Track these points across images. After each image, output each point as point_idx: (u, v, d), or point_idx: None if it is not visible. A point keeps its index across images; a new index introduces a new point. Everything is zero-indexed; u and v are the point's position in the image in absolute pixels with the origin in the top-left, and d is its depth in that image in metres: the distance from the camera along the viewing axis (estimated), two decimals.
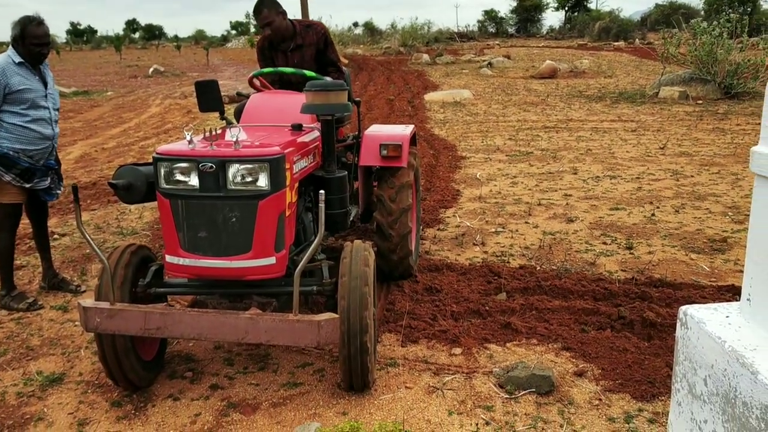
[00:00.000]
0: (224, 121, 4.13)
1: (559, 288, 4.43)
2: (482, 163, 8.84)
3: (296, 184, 3.34)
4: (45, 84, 4.36)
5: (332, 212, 3.77)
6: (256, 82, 4.50)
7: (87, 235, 3.04)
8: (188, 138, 3.08)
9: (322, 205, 2.87)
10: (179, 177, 3.00)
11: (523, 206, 6.65)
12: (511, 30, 59.05)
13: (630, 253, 5.25)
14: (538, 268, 4.92)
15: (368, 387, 3.27)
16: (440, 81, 20.85)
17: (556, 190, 7.28)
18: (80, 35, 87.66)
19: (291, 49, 4.62)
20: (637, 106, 14.31)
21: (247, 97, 4.28)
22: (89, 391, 3.41)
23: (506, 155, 9.31)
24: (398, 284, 4.62)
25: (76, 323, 4.20)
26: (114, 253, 3.27)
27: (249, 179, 2.97)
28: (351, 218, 4.25)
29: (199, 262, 3.04)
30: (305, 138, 3.63)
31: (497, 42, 46.08)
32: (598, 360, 3.52)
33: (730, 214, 6.22)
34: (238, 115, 4.40)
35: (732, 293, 4.28)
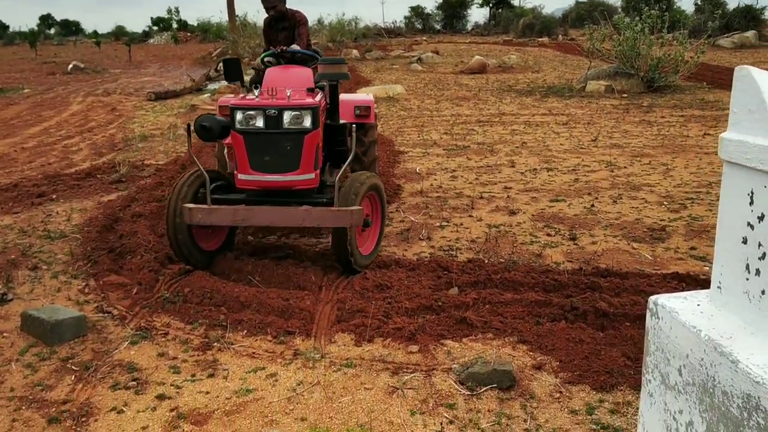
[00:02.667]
0: (244, 88, 5.31)
1: (510, 281, 4.41)
2: (420, 157, 8.81)
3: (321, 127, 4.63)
4: None
5: (338, 149, 5.19)
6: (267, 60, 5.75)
7: (194, 158, 4.66)
8: (256, 94, 4.53)
9: (354, 135, 4.55)
10: (251, 120, 4.36)
11: (465, 200, 6.64)
12: (438, 26, 59.47)
13: (574, 244, 5.30)
14: (486, 261, 4.89)
15: (351, 269, 4.56)
16: (371, 77, 20.79)
17: (495, 183, 7.31)
18: None
19: (281, 28, 6.02)
20: (566, 99, 14.62)
21: (258, 70, 5.83)
22: (23, 407, 3.16)
23: (444, 149, 9.31)
24: (349, 280, 4.52)
25: (5, 335, 3.90)
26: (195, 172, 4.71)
27: (298, 121, 4.36)
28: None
29: (263, 177, 4.46)
30: (318, 97, 4.79)
31: (425, 38, 46.38)
32: (555, 352, 3.51)
33: (665, 203, 6.38)
34: (253, 84, 5.57)
35: (677, 280, 4.36)
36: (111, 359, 3.60)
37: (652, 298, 2.26)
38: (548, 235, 5.55)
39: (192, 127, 4.62)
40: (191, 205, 4.41)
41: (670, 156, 8.58)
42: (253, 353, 3.61)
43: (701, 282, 4.35)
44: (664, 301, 2.21)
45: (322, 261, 4.93)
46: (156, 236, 5.51)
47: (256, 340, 3.76)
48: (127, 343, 3.76)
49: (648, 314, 2.27)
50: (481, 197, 6.73)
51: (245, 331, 3.85)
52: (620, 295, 4.14)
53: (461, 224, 5.88)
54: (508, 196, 6.75)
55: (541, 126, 11.18)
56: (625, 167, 7.99)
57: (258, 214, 4.39)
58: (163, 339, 3.81)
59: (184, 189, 4.59)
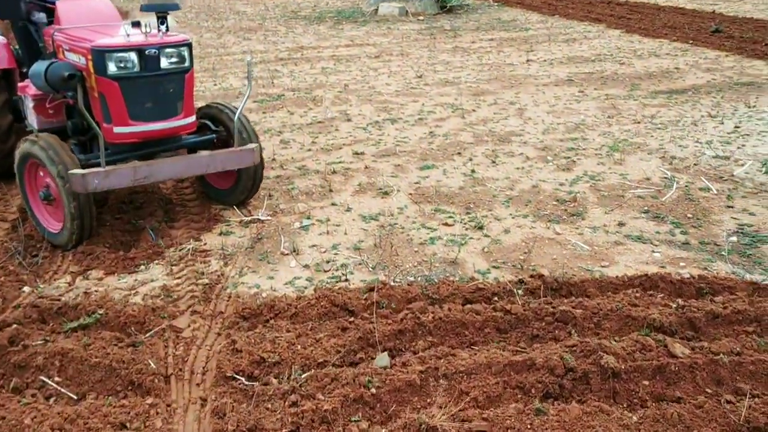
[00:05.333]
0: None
1: (447, 322, 3.09)
2: None
3: None
4: None
5: None
6: None
7: (85, 112, 3.92)
8: (125, 33, 3.96)
9: (251, 69, 4.33)
10: (125, 63, 3.84)
11: (316, 178, 5.15)
12: None
13: (485, 236, 4.12)
14: (393, 282, 3.53)
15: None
16: (124, 5, 17.70)
17: (341, 147, 5.88)
18: None
19: None
20: (362, 26, 13.29)
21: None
22: None
23: (254, 101, 7.59)
24: (208, 354, 2.92)
25: None
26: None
27: (176, 59, 4.00)
28: None
29: (146, 126, 4.00)
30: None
31: None
32: None
33: (549, 158, 5.43)
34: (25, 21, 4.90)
35: (655, 289, 3.34)
36: None
37: None
38: (446, 224, 4.30)
39: (47, 77, 3.81)
40: (81, 171, 3.70)
41: (511, 92, 7.71)
42: None
43: (677, 285, 3.39)
44: None
45: (154, 320, 3.23)
46: None
47: None
48: None
49: None
50: (334, 172, 5.27)
51: None
52: (601, 326, 3.04)
53: (329, 220, 4.41)
54: (366, 167, 5.36)
55: (353, 61, 9.79)
56: (473, 110, 6.96)
57: (161, 168, 3.96)
58: None
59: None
